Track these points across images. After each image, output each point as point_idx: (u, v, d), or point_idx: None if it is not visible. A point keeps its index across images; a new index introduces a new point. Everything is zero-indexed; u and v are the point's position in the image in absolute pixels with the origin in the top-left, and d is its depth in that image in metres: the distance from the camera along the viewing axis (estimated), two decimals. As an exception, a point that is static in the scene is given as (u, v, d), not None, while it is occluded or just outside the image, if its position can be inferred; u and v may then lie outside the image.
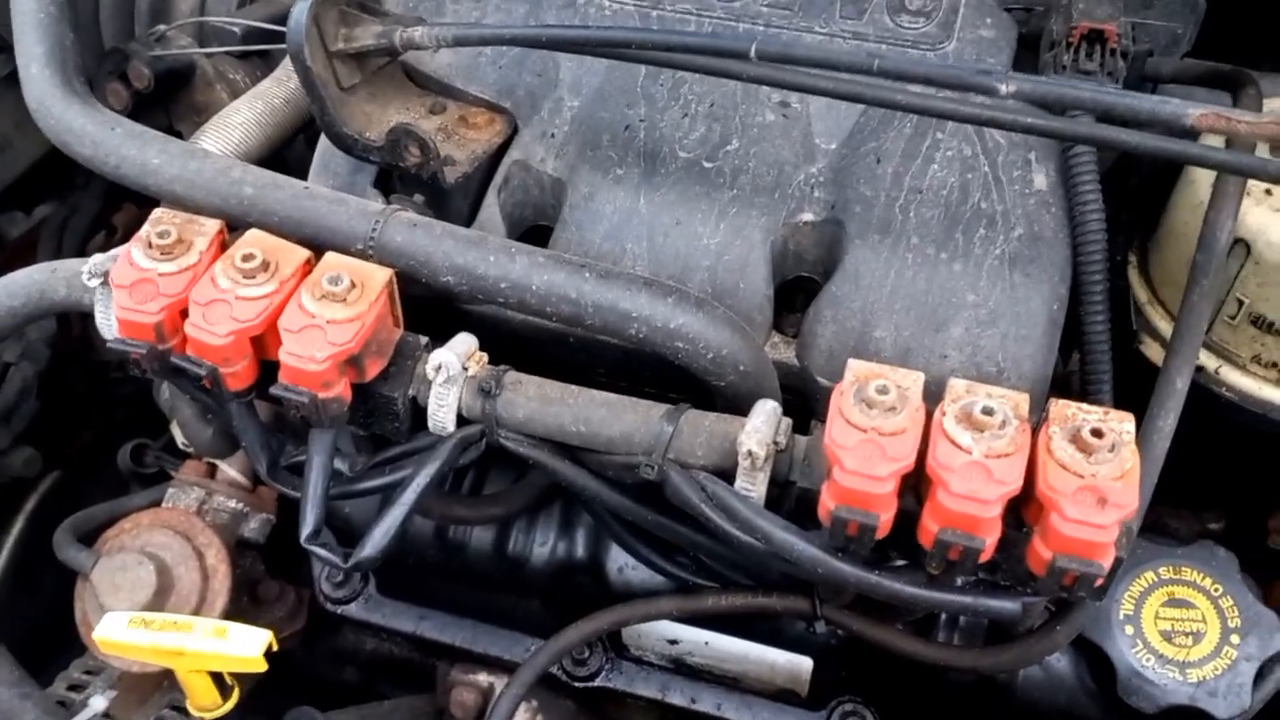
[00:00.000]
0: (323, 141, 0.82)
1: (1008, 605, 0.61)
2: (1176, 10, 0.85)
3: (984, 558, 0.58)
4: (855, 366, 0.61)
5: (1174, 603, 0.79)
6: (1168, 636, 0.78)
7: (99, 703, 0.78)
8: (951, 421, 0.59)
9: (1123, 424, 0.59)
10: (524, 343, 0.76)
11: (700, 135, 0.80)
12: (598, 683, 0.94)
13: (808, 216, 0.77)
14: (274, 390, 0.64)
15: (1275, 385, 0.74)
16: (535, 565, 0.90)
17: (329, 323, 0.65)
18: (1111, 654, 0.78)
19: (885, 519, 0.59)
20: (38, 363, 1.09)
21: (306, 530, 0.68)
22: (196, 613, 0.88)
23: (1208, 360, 0.76)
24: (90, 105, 0.78)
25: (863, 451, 0.58)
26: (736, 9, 0.83)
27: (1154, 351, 0.79)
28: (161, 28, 0.93)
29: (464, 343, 0.71)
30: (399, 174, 0.79)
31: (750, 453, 0.63)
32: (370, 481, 0.72)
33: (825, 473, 0.60)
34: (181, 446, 1.01)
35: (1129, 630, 0.79)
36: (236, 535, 0.97)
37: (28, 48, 0.79)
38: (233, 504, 0.97)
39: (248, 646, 0.67)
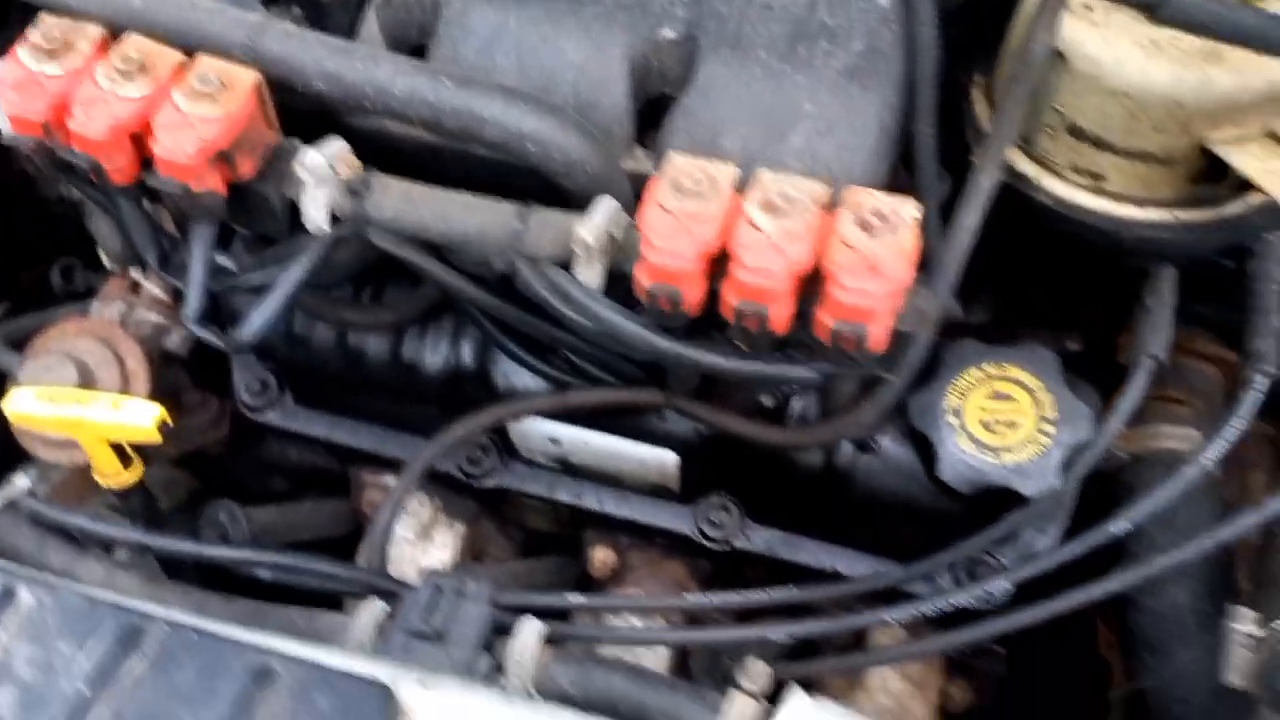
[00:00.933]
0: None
1: (805, 373, 0.68)
2: None
3: (779, 328, 0.65)
4: (674, 158, 0.68)
5: (997, 396, 0.87)
6: (987, 425, 0.86)
7: (23, 481, 0.86)
8: (753, 206, 0.65)
9: (906, 209, 0.65)
10: (402, 156, 0.82)
11: None
12: (491, 482, 1.02)
13: (668, 34, 0.82)
14: (150, 181, 0.71)
15: (1090, 192, 0.80)
16: (429, 372, 0.97)
17: (200, 120, 0.71)
18: (934, 440, 0.86)
19: (693, 295, 0.66)
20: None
21: (189, 310, 0.75)
22: (117, 413, 0.96)
23: (1029, 169, 0.82)
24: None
25: (671, 232, 0.65)
26: None
27: (986, 165, 0.84)
28: None
29: (333, 145, 0.77)
30: (281, -5, 0.83)
31: (585, 243, 0.70)
32: (254, 274, 0.79)
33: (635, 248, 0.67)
34: (109, 268, 1.07)
35: (952, 420, 0.87)
36: (159, 347, 1.05)
37: None
38: (154, 317, 1.04)
39: (140, 417, 0.75)
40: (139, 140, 0.72)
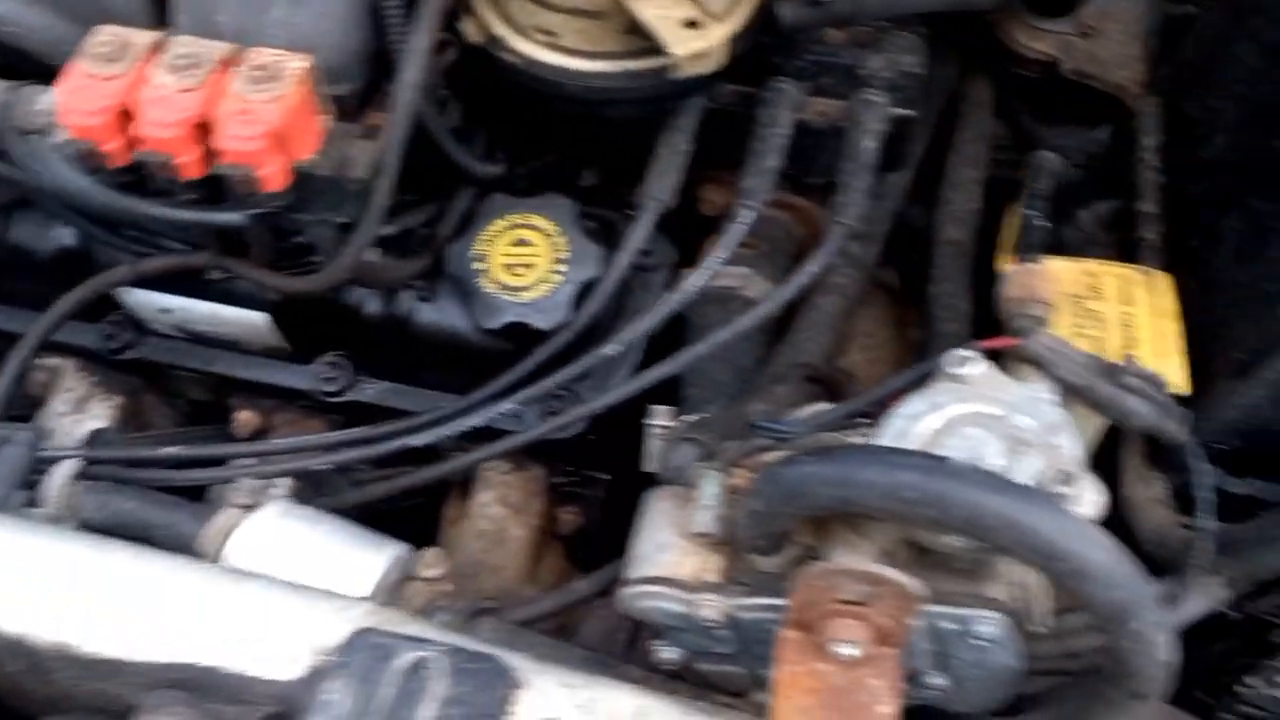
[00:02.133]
0: None
1: (227, 216, 0.77)
2: None
3: (185, 173, 0.73)
4: (103, 30, 0.75)
5: (518, 243, 0.96)
6: (509, 269, 0.95)
7: None
8: (160, 70, 0.73)
9: (294, 62, 0.73)
10: None
11: None
12: (130, 354, 1.11)
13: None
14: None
15: (548, 49, 0.87)
16: (40, 254, 1.06)
17: None
18: (467, 286, 0.95)
19: (109, 147, 0.74)
20: None
21: None
22: None
23: (503, 31, 0.89)
24: None
25: (82, 93, 0.73)
26: None
27: (470, 29, 0.91)
28: None
29: None
30: None
31: (42, 113, 0.78)
32: None
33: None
34: None
35: (479, 265, 0.96)
36: None
37: None
38: None
39: None
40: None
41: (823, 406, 0.76)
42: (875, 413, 0.68)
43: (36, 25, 0.81)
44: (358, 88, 0.86)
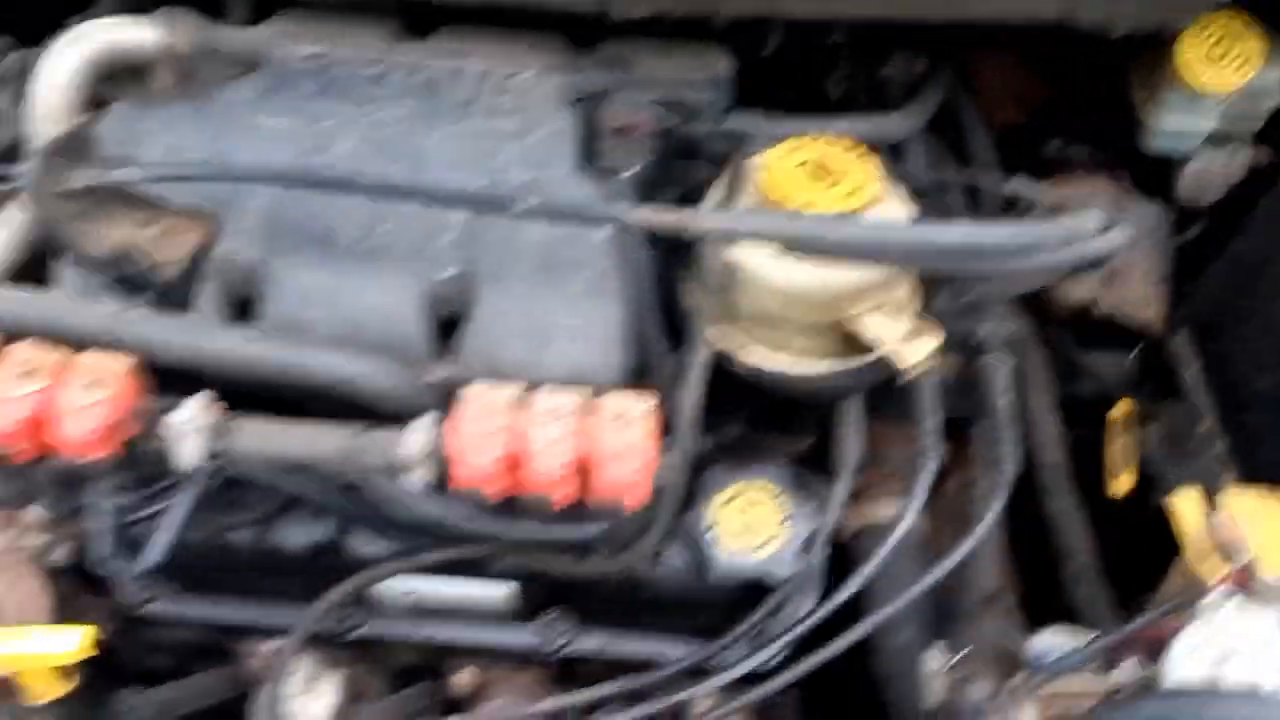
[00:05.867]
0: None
1: (587, 531, 0.93)
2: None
3: (560, 504, 0.89)
4: (469, 390, 0.91)
5: (746, 504, 1.14)
6: (740, 531, 1.13)
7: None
8: (535, 420, 0.90)
9: (637, 406, 0.91)
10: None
11: (363, 220, 1.07)
12: (361, 633, 1.22)
13: (446, 272, 1.06)
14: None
15: (777, 354, 1.08)
16: (292, 551, 1.17)
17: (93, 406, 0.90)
18: (703, 551, 1.12)
19: (494, 493, 0.89)
20: None
21: (98, 553, 0.94)
22: (24, 631, 1.12)
23: (734, 342, 1.09)
24: None
25: (474, 448, 0.88)
26: (373, 121, 1.10)
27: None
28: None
29: (192, 402, 0.97)
30: (124, 280, 1.03)
31: (406, 459, 0.93)
32: (146, 510, 0.98)
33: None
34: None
35: (712, 533, 1.13)
36: (49, 562, 1.20)
37: None
38: (39, 539, 1.20)
39: (70, 643, 0.93)
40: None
41: (1058, 631, 0.95)
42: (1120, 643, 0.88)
43: (374, 379, 0.96)
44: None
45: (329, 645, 1.24)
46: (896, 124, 1.24)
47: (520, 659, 1.24)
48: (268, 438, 0.97)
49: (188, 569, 1.20)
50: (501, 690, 1.25)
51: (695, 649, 1.16)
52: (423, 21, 1.19)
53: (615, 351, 1.03)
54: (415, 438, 0.93)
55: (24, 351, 0.92)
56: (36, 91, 1.07)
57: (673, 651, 1.19)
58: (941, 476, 1.27)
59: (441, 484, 0.94)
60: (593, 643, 1.21)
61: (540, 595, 1.20)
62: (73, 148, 1.00)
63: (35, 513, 1.22)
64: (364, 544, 1.16)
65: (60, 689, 0.99)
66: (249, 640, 1.26)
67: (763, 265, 1.02)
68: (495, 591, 1.18)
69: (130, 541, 1.12)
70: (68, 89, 1.07)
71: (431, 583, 1.18)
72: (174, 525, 0.96)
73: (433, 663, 1.29)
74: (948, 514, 1.26)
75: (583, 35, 1.19)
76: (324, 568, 1.18)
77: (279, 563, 1.17)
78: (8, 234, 1.09)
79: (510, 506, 0.94)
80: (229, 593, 1.23)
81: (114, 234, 1.03)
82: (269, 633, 1.23)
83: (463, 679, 1.26)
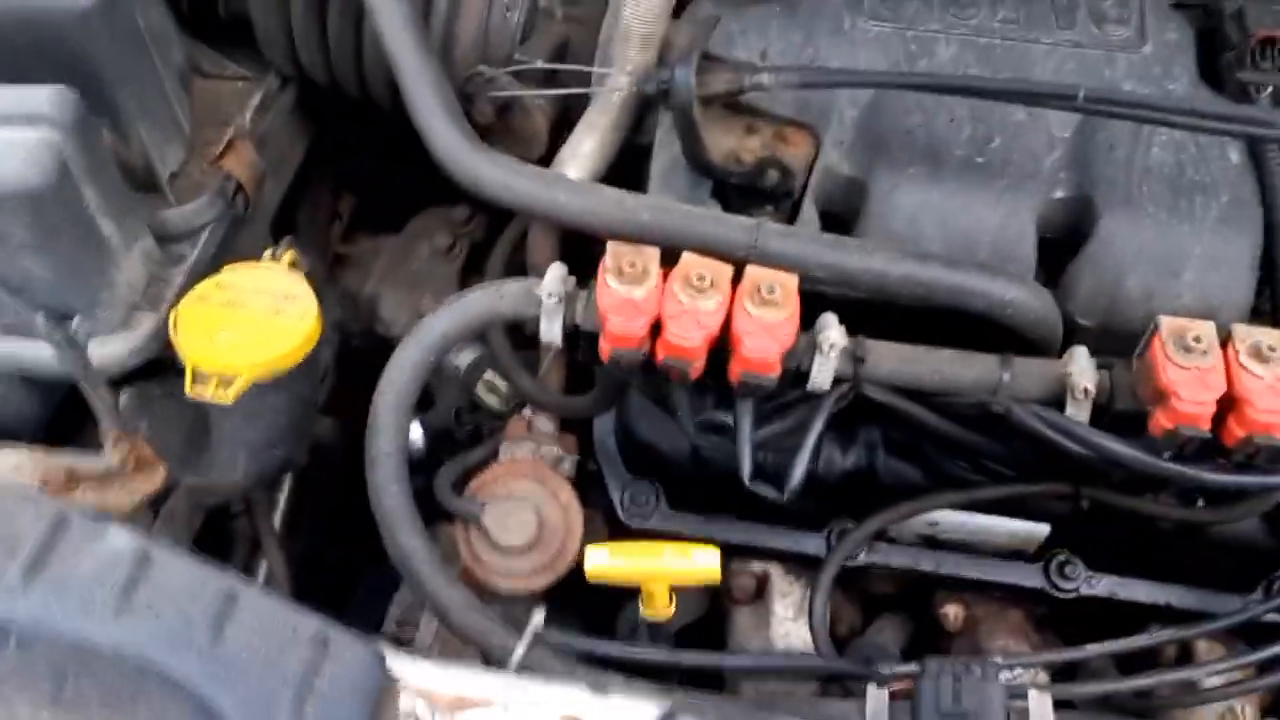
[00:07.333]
0: (656, 163, 1.01)
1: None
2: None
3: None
4: (1165, 321, 0.85)
5: None
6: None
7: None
8: (1246, 358, 0.84)
9: None
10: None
11: (968, 135, 1.01)
12: (859, 561, 1.19)
13: (1060, 194, 1.00)
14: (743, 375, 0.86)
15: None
16: (829, 476, 1.13)
17: (767, 322, 0.86)
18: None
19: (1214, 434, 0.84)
20: (333, 345, 1.25)
21: (745, 471, 0.91)
22: (564, 544, 1.10)
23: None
24: (489, 153, 0.94)
25: (1191, 385, 0.83)
26: (975, 26, 1.03)
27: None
28: (483, 69, 1.08)
29: (830, 323, 0.93)
30: (739, 189, 0.98)
31: (1085, 389, 0.88)
32: (772, 428, 0.95)
33: (1148, 400, 0.85)
34: (496, 410, 1.21)
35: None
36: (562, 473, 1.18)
37: (426, 103, 0.95)
38: (555, 450, 1.18)
39: (710, 560, 0.91)
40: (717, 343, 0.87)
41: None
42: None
43: (1034, 307, 0.91)
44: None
45: (810, 568, 1.22)
46: None
47: (1008, 595, 1.20)
48: (907, 361, 0.92)
49: (685, 484, 1.18)
50: (992, 628, 1.22)
51: (1228, 599, 1.12)
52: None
53: (1249, 284, 0.97)
54: (1082, 365, 0.88)
55: (698, 264, 0.87)
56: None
57: (1187, 599, 1.15)
58: None
59: (1122, 418, 0.89)
60: (1103, 585, 1.17)
61: (1065, 537, 1.16)
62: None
63: (546, 425, 1.20)
64: (895, 471, 1.13)
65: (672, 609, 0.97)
66: (735, 559, 1.24)
67: None
68: (1026, 529, 1.14)
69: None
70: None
71: (958, 515, 1.14)
72: (810, 447, 0.92)
73: (908, 592, 1.26)
74: None
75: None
76: (845, 493, 1.15)
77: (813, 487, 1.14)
78: (598, 138, 1.04)
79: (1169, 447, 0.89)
80: (718, 513, 1.21)
81: (725, 141, 0.97)
82: (760, 554, 1.20)
83: (953, 612, 1.22)
